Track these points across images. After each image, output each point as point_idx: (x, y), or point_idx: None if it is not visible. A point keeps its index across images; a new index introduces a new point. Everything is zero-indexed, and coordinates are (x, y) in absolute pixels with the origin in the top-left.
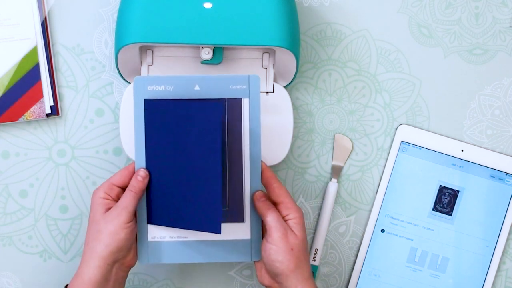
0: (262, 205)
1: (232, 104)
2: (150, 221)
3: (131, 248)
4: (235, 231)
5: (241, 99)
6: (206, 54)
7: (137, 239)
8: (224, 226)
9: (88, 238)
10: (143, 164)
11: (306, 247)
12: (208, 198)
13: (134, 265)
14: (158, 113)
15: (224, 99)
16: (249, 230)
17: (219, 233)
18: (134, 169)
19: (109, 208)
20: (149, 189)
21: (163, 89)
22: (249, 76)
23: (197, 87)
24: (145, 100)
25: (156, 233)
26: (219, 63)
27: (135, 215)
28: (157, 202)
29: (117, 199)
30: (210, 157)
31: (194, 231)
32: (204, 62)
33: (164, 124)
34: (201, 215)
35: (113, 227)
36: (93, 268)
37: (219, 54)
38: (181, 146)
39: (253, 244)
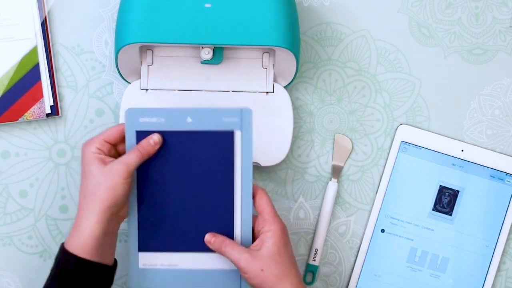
0: (216, 243)
1: (224, 136)
2: (142, 248)
3: (126, 201)
4: (225, 261)
5: (233, 131)
6: (206, 54)
7: (128, 265)
8: (214, 256)
9: (85, 191)
10: (135, 195)
11: (282, 258)
12: (219, 222)
13: (126, 217)
14: None
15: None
16: None
17: None
18: (124, 129)
19: (104, 162)
20: (142, 216)
21: (155, 121)
22: (241, 109)
23: (189, 119)
24: (136, 131)
25: (148, 261)
26: (218, 63)
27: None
28: (151, 228)
29: (109, 154)
30: (221, 182)
31: (186, 260)
32: (204, 62)
33: (158, 154)
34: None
35: (112, 182)
36: (93, 223)
37: (219, 54)
38: (182, 173)
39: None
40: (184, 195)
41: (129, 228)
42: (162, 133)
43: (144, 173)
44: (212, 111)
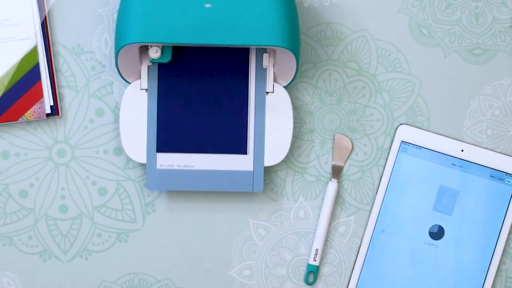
0: None
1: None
2: (160, 149)
3: None
4: (239, 163)
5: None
6: (154, 53)
7: (146, 166)
8: (228, 157)
9: None
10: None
11: None
12: (234, 126)
13: None
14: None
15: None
16: (252, 162)
17: (246, 153)
18: None
19: None
20: (161, 118)
21: None
22: None
23: None
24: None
25: (165, 161)
26: (167, 62)
27: None
28: (169, 129)
29: None
30: (237, 92)
31: (201, 161)
32: (152, 61)
33: (179, 64)
34: (230, 141)
35: None
36: None
37: (167, 53)
38: (201, 82)
39: (255, 176)
40: (201, 100)
41: (148, 129)
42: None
43: (164, 81)
44: None
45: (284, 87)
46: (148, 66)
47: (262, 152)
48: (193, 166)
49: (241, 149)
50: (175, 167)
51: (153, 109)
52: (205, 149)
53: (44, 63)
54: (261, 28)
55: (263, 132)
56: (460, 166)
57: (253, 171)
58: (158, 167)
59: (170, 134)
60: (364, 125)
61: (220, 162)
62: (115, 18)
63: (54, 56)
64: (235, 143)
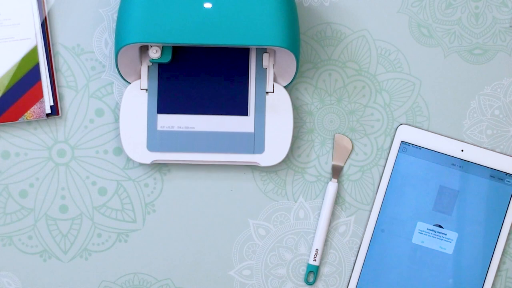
0: None
1: None
2: (161, 110)
3: None
4: (240, 124)
5: None
6: (154, 53)
7: (147, 128)
8: (229, 119)
9: None
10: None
11: None
12: (236, 88)
13: None
14: None
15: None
16: (253, 123)
17: (247, 115)
18: None
19: None
20: (162, 79)
21: None
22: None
23: None
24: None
25: (166, 123)
26: (167, 62)
27: None
28: (170, 90)
29: None
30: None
31: (202, 122)
32: (152, 61)
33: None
34: (231, 102)
35: None
36: None
37: (167, 53)
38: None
39: (256, 137)
40: (203, 62)
41: (148, 90)
42: None
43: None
44: None
45: (284, 87)
46: (148, 66)
47: (263, 113)
48: (193, 128)
49: (243, 110)
50: (176, 129)
51: (154, 66)
52: (206, 111)
53: (44, 63)
54: (261, 28)
55: (264, 94)
56: (460, 166)
57: (254, 133)
58: (159, 128)
59: (171, 95)
60: (364, 125)
61: (221, 124)
62: (115, 18)
63: (54, 56)
64: (237, 104)
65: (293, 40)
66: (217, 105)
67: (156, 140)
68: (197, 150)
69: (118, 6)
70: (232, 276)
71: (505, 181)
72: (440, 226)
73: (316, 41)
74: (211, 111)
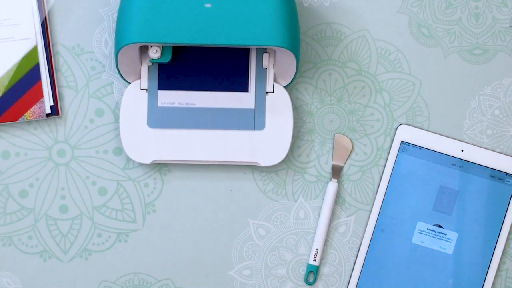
0: None
1: None
2: (161, 86)
3: None
4: (240, 101)
5: None
6: (154, 53)
7: (148, 104)
8: (229, 95)
9: None
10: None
11: None
12: (236, 65)
13: None
14: None
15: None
16: (253, 100)
17: (248, 91)
18: None
19: None
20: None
21: None
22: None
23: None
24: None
25: (166, 99)
26: (167, 62)
27: None
28: (171, 67)
29: None
30: (238, 88)
31: (203, 98)
32: (152, 61)
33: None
34: (231, 79)
35: None
36: None
37: (167, 53)
38: None
39: (257, 113)
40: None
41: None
42: None
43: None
44: None
45: (284, 87)
46: (148, 66)
47: (263, 89)
48: (194, 104)
49: (243, 87)
50: (176, 105)
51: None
52: (206, 87)
53: (44, 63)
54: (261, 28)
55: (264, 71)
56: (460, 166)
57: (255, 109)
58: (159, 105)
59: (172, 71)
60: (364, 125)
61: (221, 100)
62: (115, 18)
63: (54, 56)
64: (237, 81)
65: (293, 40)
66: (219, 80)
67: (157, 116)
68: (197, 127)
69: (118, 6)
70: (232, 276)
71: (505, 181)
72: (440, 226)
73: (316, 41)
74: (212, 87)
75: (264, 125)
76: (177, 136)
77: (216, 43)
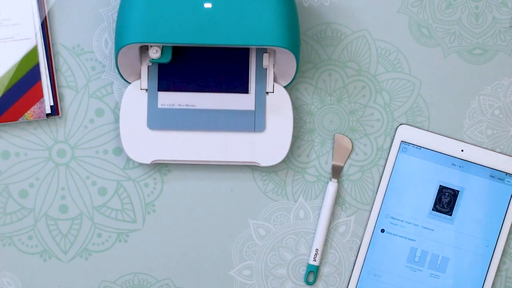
0: None
1: None
2: (161, 88)
3: None
4: (240, 102)
5: None
6: (154, 53)
7: (148, 106)
8: (229, 96)
9: None
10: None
11: None
12: (236, 66)
13: None
14: None
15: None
16: (253, 101)
17: (248, 92)
18: None
19: None
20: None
21: None
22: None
23: None
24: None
25: (166, 100)
26: (168, 62)
27: None
28: (171, 68)
29: None
30: (238, 88)
31: (203, 100)
32: (152, 61)
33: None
34: (231, 80)
35: None
36: None
37: (167, 53)
38: None
39: (257, 115)
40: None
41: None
42: None
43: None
44: None
45: (284, 87)
46: (148, 66)
47: (263, 91)
48: (194, 105)
49: (243, 88)
50: (176, 106)
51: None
52: (206, 88)
53: (44, 63)
54: (261, 28)
55: (264, 72)
56: (460, 166)
57: (255, 111)
58: (159, 106)
59: (172, 73)
60: (364, 125)
61: (221, 102)
62: (115, 18)
63: (54, 56)
64: (237, 82)
65: (293, 40)
66: (218, 82)
67: (157, 118)
68: (197, 129)
69: (118, 6)
70: (232, 276)
71: (505, 181)
72: (440, 226)
73: (316, 41)
74: (212, 88)
75: (264, 126)
76: (177, 137)
77: (216, 43)
